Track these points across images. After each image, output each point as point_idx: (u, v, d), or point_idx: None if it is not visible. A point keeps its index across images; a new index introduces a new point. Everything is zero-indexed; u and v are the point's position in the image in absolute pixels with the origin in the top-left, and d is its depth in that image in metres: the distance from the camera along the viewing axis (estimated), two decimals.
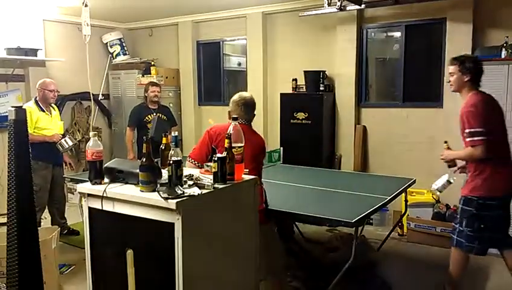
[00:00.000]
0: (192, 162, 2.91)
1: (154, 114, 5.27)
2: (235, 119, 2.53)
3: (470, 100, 3.04)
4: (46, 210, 4.75)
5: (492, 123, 3.02)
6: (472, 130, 2.93)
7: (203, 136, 3.00)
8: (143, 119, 5.26)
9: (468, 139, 2.96)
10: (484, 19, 4.69)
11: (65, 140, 4.43)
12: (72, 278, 3.88)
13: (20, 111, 1.41)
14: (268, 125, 6.27)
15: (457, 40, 4.74)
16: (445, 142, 3.32)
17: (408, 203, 4.44)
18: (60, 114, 5.01)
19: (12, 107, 1.42)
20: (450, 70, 3.16)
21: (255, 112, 3.17)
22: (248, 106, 3.08)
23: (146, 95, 5.38)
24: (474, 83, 3.09)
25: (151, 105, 5.34)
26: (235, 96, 3.12)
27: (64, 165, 4.89)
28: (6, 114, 5.13)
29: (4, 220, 5.17)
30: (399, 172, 4.75)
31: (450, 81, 3.17)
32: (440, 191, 3.44)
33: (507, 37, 4.23)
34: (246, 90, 6.40)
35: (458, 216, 3.16)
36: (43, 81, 4.55)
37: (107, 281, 2.31)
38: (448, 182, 3.34)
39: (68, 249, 4.44)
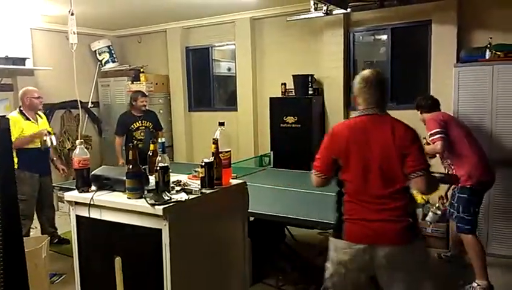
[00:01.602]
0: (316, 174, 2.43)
1: (140, 121, 5.33)
2: (221, 124, 2.52)
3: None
4: (36, 220, 4.72)
5: None
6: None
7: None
8: (129, 127, 5.30)
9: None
10: (469, 20, 4.75)
11: (50, 138, 4.41)
12: (63, 287, 3.85)
13: (3, 120, 1.41)
14: (258, 129, 6.29)
15: (443, 41, 4.80)
16: (424, 138, 3.62)
17: None
18: (49, 123, 4.99)
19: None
20: (421, 119, 3.87)
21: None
22: (373, 85, 2.31)
23: (134, 103, 5.38)
24: (432, 109, 3.88)
25: (136, 112, 5.37)
26: (356, 78, 2.39)
27: (58, 171, 4.88)
28: None
29: None
30: None
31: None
32: (435, 223, 4.26)
33: (491, 38, 4.28)
34: (236, 95, 6.44)
35: (454, 203, 3.66)
36: (27, 90, 4.51)
37: (96, 288, 2.31)
38: (437, 215, 4.01)
39: (59, 258, 4.40)
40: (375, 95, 2.30)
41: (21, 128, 4.33)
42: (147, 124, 5.37)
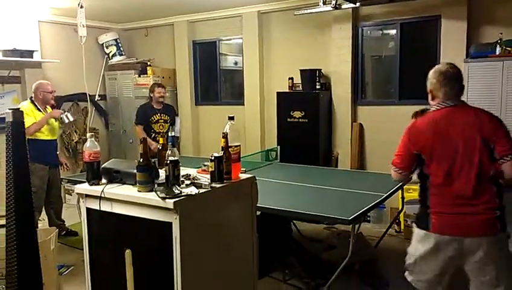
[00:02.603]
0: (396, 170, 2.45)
1: (159, 114, 5.39)
2: (231, 118, 2.51)
3: None
4: (44, 212, 4.75)
5: None
6: None
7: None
8: (149, 118, 5.35)
9: None
10: (478, 16, 4.71)
11: (66, 115, 4.61)
12: (71, 279, 3.88)
13: (18, 113, 1.42)
14: (265, 123, 6.29)
15: (452, 37, 4.76)
16: None
17: (405, 200, 4.46)
18: None
19: (9, 109, 1.42)
20: None
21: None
22: (451, 79, 2.37)
23: (152, 95, 5.43)
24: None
25: (156, 105, 5.41)
26: (431, 72, 2.46)
27: (60, 165, 4.91)
28: (3, 116, 5.15)
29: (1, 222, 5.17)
30: None
31: None
32: None
33: (501, 33, 4.26)
34: (243, 90, 6.43)
35: None
36: (40, 84, 4.55)
37: (105, 281, 2.32)
38: None
39: (67, 250, 4.44)
40: (455, 88, 2.36)
41: (35, 117, 4.38)
42: (166, 118, 5.42)
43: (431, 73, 2.45)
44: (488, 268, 2.28)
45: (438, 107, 2.39)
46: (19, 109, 1.45)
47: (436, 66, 2.46)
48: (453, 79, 2.36)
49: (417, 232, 2.43)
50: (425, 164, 2.35)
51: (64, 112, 4.62)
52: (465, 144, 2.25)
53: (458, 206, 2.27)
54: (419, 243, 2.41)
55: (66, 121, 4.57)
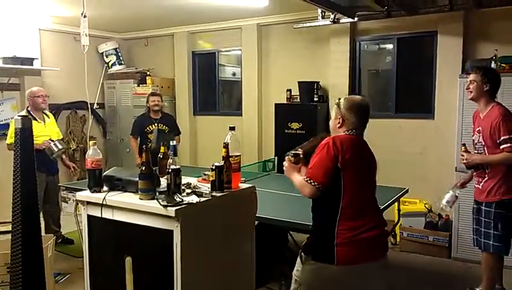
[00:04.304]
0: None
1: (156, 124, 5.36)
2: (232, 129, 2.56)
3: (500, 110, 3.16)
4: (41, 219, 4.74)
5: None
6: (507, 137, 3.06)
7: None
8: (144, 129, 5.36)
9: (505, 145, 3.07)
10: (474, 32, 4.80)
11: (54, 144, 4.40)
12: (67, 286, 3.87)
13: (26, 120, 1.45)
14: (262, 134, 6.33)
15: (448, 52, 4.85)
16: (463, 145, 3.41)
17: (401, 213, 4.50)
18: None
19: (18, 116, 1.46)
20: (471, 78, 3.28)
21: None
22: (366, 112, 2.37)
23: (148, 105, 5.44)
24: (492, 94, 3.25)
25: (153, 115, 5.42)
26: (347, 100, 2.38)
27: (68, 169, 4.93)
28: (2, 122, 5.13)
29: (3, 228, 5.16)
30: (392, 182, 4.79)
31: (469, 88, 3.29)
32: (450, 207, 3.58)
33: (496, 50, 4.33)
34: (241, 101, 6.48)
35: (488, 221, 3.22)
36: (30, 91, 4.60)
37: (105, 288, 2.34)
38: (456, 197, 3.48)
39: (63, 258, 4.43)
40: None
41: None
42: (163, 128, 5.40)
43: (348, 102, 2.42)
44: None
45: (352, 133, 2.37)
46: (26, 116, 1.48)
47: (351, 97, 2.49)
48: (367, 113, 2.40)
49: None
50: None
51: (52, 141, 4.42)
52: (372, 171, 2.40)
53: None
54: None
55: (55, 150, 4.35)
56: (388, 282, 2.35)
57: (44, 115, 4.66)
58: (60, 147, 4.44)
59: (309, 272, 2.29)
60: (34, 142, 4.21)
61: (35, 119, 4.49)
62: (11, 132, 4.33)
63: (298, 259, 2.39)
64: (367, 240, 2.19)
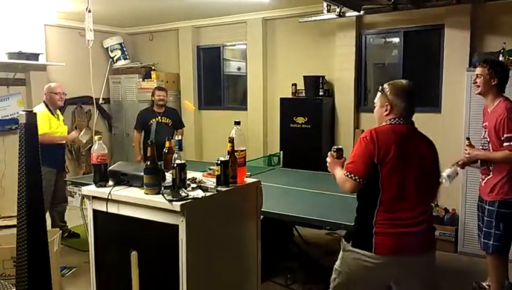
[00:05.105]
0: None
1: (159, 117, 5.38)
2: (237, 123, 2.55)
3: (507, 106, 3.06)
4: (48, 213, 4.77)
5: None
6: (510, 135, 2.98)
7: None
8: (148, 122, 5.38)
9: (507, 144, 3.00)
10: (482, 25, 4.75)
11: (81, 135, 4.62)
12: (73, 280, 3.90)
13: (31, 115, 1.45)
14: (268, 129, 6.31)
15: (455, 46, 4.80)
16: (468, 138, 3.34)
17: None
18: None
19: (23, 111, 1.45)
20: (478, 72, 3.19)
21: None
22: (414, 97, 2.30)
23: (153, 99, 5.47)
24: (500, 88, 3.16)
25: (157, 109, 5.44)
26: (393, 86, 2.29)
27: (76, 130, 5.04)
28: (8, 117, 5.18)
29: (6, 222, 5.20)
30: None
31: (476, 82, 3.20)
32: (450, 182, 3.31)
33: (504, 43, 4.28)
34: (246, 96, 6.47)
35: (491, 220, 3.15)
36: (48, 86, 4.63)
37: (111, 282, 2.35)
38: (457, 173, 3.29)
39: (69, 252, 4.46)
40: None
41: (50, 124, 4.40)
42: (167, 121, 5.43)
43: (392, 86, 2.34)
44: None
45: (399, 122, 2.31)
46: (31, 111, 1.47)
47: (396, 81, 2.37)
48: (414, 97, 2.33)
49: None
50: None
51: (80, 132, 4.60)
52: (420, 167, 2.29)
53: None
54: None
55: (84, 141, 4.53)
56: (428, 280, 2.27)
57: (58, 112, 4.69)
58: (87, 137, 4.64)
59: (348, 259, 2.28)
60: (55, 135, 4.31)
61: (53, 114, 4.53)
62: None
63: (341, 251, 2.38)
64: (407, 234, 2.16)
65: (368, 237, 2.17)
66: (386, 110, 2.26)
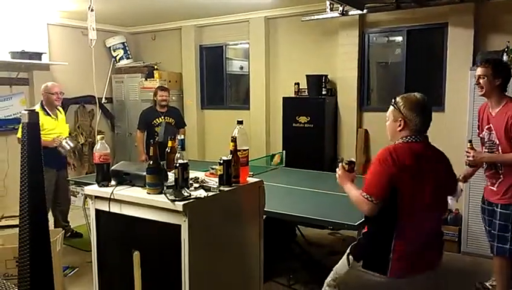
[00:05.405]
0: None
1: (162, 117, 5.38)
2: (239, 123, 2.53)
3: None
4: (50, 213, 4.77)
5: None
6: None
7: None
8: (151, 122, 5.38)
9: None
10: (485, 24, 4.72)
11: (66, 142, 4.45)
12: (76, 280, 3.90)
13: (33, 114, 1.44)
14: (270, 128, 6.31)
15: (459, 44, 4.77)
16: (470, 141, 3.26)
17: None
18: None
19: (25, 110, 1.44)
20: (480, 73, 3.08)
21: None
22: (429, 112, 2.23)
23: (155, 99, 5.47)
24: (504, 88, 3.08)
25: (159, 108, 5.44)
26: (406, 99, 2.20)
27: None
28: (11, 117, 5.18)
29: (9, 222, 5.20)
30: None
31: (479, 84, 3.10)
32: (456, 201, 3.23)
33: (508, 41, 4.26)
34: (249, 95, 6.46)
35: (505, 223, 3.06)
36: (45, 86, 4.60)
37: (113, 282, 2.34)
38: (461, 190, 3.21)
39: (71, 252, 4.47)
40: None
41: (41, 122, 4.38)
42: (169, 120, 5.42)
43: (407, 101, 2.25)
44: None
45: (411, 140, 2.22)
46: (34, 110, 1.47)
47: (411, 95, 2.26)
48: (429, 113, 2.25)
49: None
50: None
51: (64, 138, 4.47)
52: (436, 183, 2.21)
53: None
54: None
55: (67, 147, 4.41)
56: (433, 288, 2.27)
57: (57, 111, 4.68)
58: (71, 145, 4.48)
59: (355, 277, 2.22)
60: (45, 138, 4.30)
61: (49, 115, 4.52)
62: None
63: (344, 260, 2.31)
64: (422, 256, 2.14)
65: (383, 261, 2.12)
66: (400, 125, 2.16)
